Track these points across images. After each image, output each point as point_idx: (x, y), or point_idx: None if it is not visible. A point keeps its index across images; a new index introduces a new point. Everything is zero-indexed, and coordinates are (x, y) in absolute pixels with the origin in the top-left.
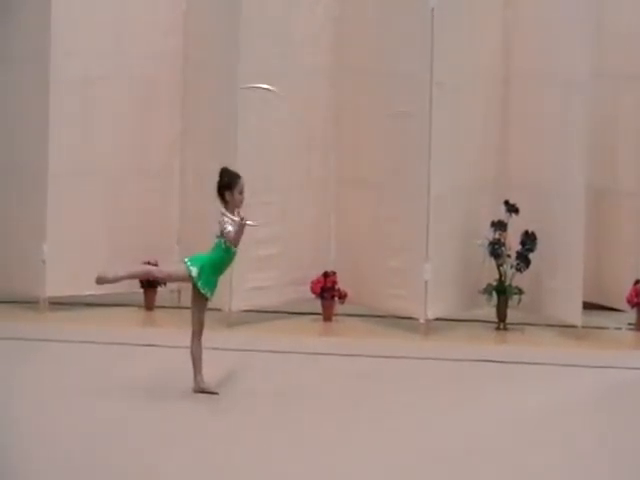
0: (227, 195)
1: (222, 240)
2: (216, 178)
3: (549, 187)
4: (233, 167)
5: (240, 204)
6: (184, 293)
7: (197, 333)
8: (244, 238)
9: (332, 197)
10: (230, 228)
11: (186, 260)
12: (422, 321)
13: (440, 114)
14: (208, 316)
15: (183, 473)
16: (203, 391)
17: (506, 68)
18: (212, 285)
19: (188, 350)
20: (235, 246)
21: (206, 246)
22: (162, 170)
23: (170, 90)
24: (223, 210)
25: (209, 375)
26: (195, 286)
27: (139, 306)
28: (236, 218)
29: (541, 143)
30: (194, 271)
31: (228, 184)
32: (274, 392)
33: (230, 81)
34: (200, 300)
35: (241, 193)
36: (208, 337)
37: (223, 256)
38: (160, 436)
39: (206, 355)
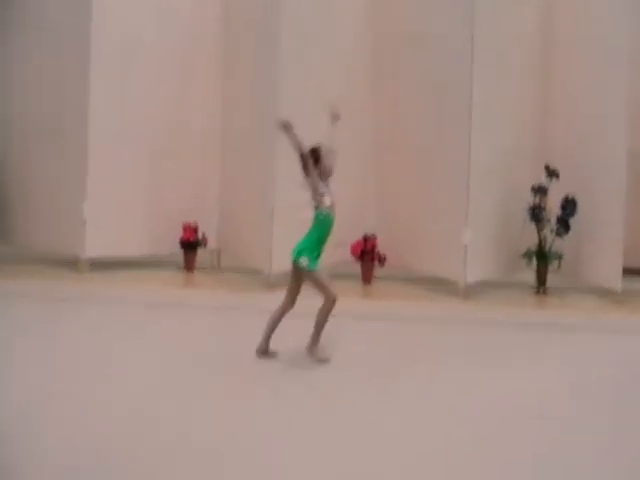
0: (318, 167)
1: (320, 211)
2: (253, 145)
3: (590, 152)
4: (270, 130)
5: (331, 171)
6: (223, 254)
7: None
8: (285, 200)
9: (373, 160)
10: (327, 201)
11: (295, 257)
12: (462, 284)
13: (481, 79)
14: (248, 278)
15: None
16: (318, 358)
17: (548, 33)
18: (318, 258)
19: (227, 311)
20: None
21: (245, 211)
22: (204, 134)
23: (212, 54)
24: (314, 182)
25: (249, 337)
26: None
27: (179, 267)
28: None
29: (582, 108)
30: (304, 262)
31: (315, 159)
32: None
33: (271, 43)
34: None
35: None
36: (249, 299)
37: (324, 227)
38: (196, 397)
39: (248, 317)
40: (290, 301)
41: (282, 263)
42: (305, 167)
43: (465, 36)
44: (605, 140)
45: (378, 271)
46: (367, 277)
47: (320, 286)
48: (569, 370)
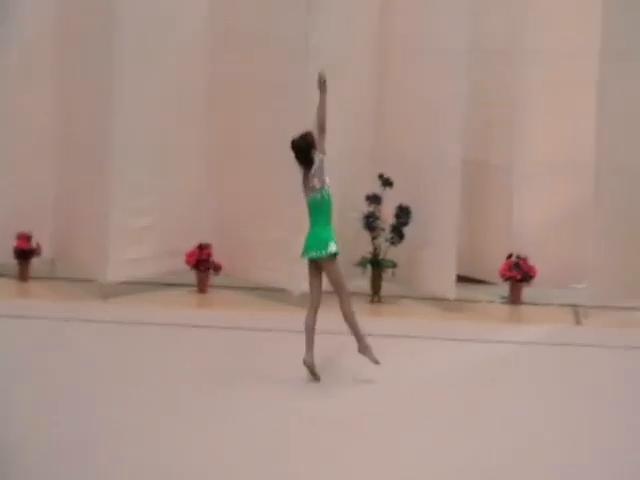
0: (315, 153)
1: (323, 190)
2: (89, 153)
3: (424, 161)
4: (109, 137)
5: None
6: (58, 263)
7: (317, 307)
8: (121, 208)
9: (208, 168)
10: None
11: (319, 254)
12: (296, 293)
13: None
14: (81, 287)
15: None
16: (310, 369)
17: (382, 40)
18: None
19: (61, 322)
20: None
21: (80, 219)
22: (40, 140)
23: (50, 56)
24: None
25: (83, 347)
26: (319, 260)
27: (13, 277)
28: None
29: (417, 116)
30: (333, 248)
31: (312, 143)
32: (145, 366)
33: (104, 52)
34: (318, 272)
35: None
36: (82, 309)
37: (331, 206)
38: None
39: (81, 327)
40: (319, 301)
41: (118, 273)
42: (305, 152)
43: (299, 40)
44: (439, 149)
45: (214, 280)
46: (202, 286)
47: (338, 278)
48: (403, 376)
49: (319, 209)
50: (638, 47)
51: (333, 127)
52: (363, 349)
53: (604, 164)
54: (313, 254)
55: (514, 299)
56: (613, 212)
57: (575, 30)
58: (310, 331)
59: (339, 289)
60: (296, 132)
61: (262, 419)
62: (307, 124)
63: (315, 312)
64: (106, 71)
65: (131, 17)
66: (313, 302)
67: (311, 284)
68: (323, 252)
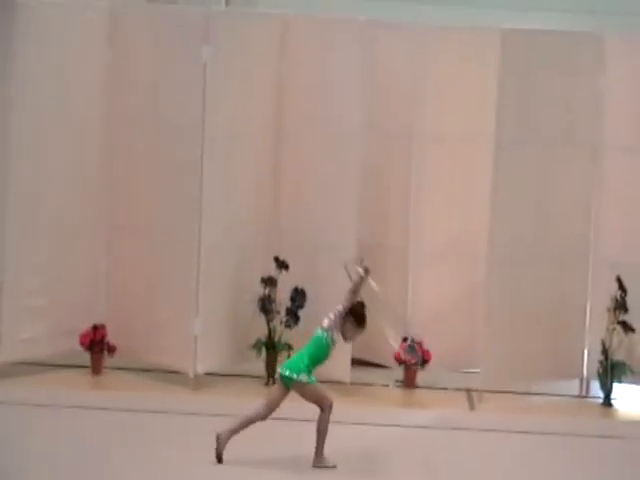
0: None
1: (328, 334)
2: None
3: (320, 243)
4: (3, 216)
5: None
6: None
7: (263, 417)
8: (14, 288)
9: (103, 246)
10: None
11: (289, 374)
12: (191, 375)
13: (212, 167)
14: None
15: None
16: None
17: (279, 121)
18: (313, 373)
19: None
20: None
21: None
22: None
23: None
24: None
25: None
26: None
27: None
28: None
29: (312, 199)
30: (304, 378)
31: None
32: (44, 448)
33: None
34: (283, 390)
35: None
36: None
37: (326, 350)
38: None
39: None
40: (267, 414)
41: (11, 353)
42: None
43: (196, 122)
44: (335, 231)
45: (109, 361)
46: (97, 368)
47: (313, 397)
48: (296, 460)
49: (318, 346)
50: (530, 137)
51: (230, 208)
52: (318, 463)
53: (496, 252)
54: (284, 371)
55: (409, 383)
56: (504, 299)
57: (473, 116)
58: (223, 442)
59: (318, 404)
60: (188, 212)
61: None
62: (203, 204)
63: (253, 421)
64: (1, 148)
65: (26, 93)
66: (261, 411)
67: (270, 395)
68: (292, 374)
